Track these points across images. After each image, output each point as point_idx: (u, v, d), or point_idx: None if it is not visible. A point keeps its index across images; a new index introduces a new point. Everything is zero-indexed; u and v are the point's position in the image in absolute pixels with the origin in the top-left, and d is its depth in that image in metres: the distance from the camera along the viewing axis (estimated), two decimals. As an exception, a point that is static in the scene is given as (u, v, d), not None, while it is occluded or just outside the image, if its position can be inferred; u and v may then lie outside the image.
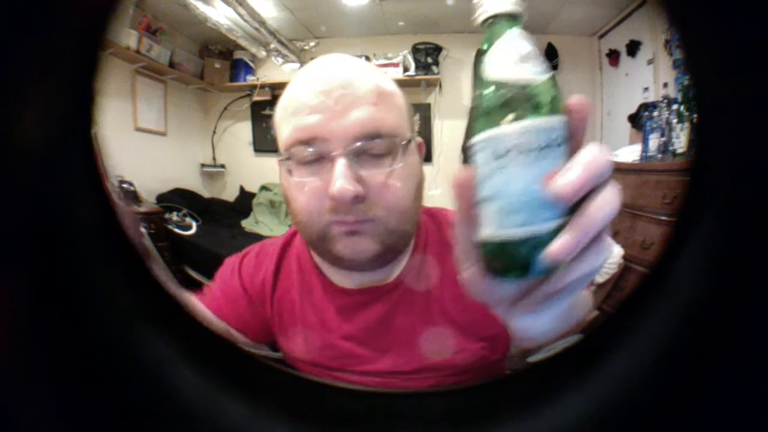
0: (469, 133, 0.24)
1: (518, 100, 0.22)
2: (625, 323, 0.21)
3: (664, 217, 1.50)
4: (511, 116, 0.22)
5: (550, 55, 2.51)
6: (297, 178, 0.40)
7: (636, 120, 2.05)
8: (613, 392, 0.20)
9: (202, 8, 2.01)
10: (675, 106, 1.69)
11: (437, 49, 2.57)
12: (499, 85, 0.23)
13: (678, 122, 1.66)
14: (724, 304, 0.18)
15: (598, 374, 0.20)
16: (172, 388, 0.20)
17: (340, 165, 0.37)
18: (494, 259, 0.23)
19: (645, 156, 1.81)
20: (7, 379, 0.17)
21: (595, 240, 0.22)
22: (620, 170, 1.95)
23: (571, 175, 0.21)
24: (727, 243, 0.18)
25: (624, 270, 1.67)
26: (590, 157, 0.21)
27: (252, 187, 2.81)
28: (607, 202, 0.22)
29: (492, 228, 0.23)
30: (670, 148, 1.68)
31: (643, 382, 0.19)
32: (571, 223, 0.21)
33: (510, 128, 0.22)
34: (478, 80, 0.24)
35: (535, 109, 0.22)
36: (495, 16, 0.24)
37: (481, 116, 0.23)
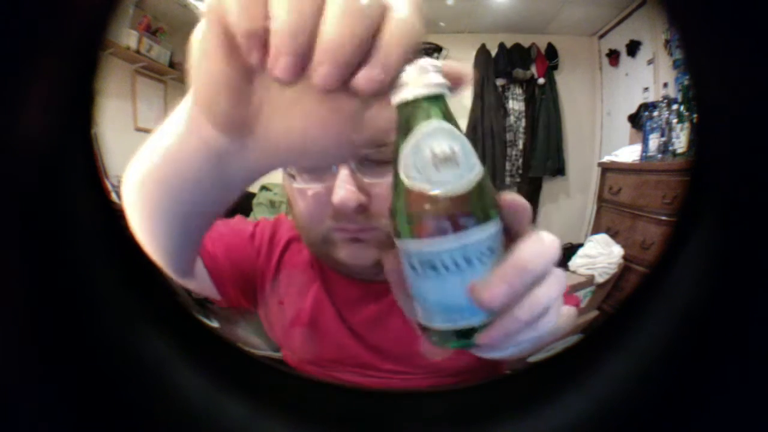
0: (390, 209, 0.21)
1: (433, 215, 0.19)
2: (625, 323, 0.21)
3: (664, 217, 1.50)
4: (425, 231, 0.19)
5: (550, 55, 2.51)
6: (299, 183, 0.39)
7: (636, 120, 2.05)
8: (613, 392, 0.20)
9: (202, 8, 2.01)
10: (675, 106, 1.69)
11: (437, 49, 2.57)
12: (413, 194, 0.19)
13: (678, 122, 1.66)
14: (724, 304, 0.18)
15: (598, 374, 0.20)
16: (172, 388, 0.20)
17: (343, 174, 0.36)
18: (429, 333, 0.22)
19: (645, 156, 1.81)
20: (7, 379, 0.17)
21: (533, 321, 0.20)
22: (620, 170, 1.95)
23: (495, 287, 0.19)
24: (727, 243, 0.18)
25: (624, 270, 1.68)
26: (522, 262, 0.20)
27: (252, 187, 2.81)
28: (539, 302, 0.20)
29: (420, 317, 0.21)
30: (670, 148, 1.68)
31: (643, 382, 0.19)
32: (497, 320, 0.20)
33: (422, 245, 0.19)
34: (394, 177, 0.20)
35: (453, 224, 0.19)
36: (412, 101, 0.20)
37: (398, 220, 0.20)
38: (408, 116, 0.20)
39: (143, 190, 0.28)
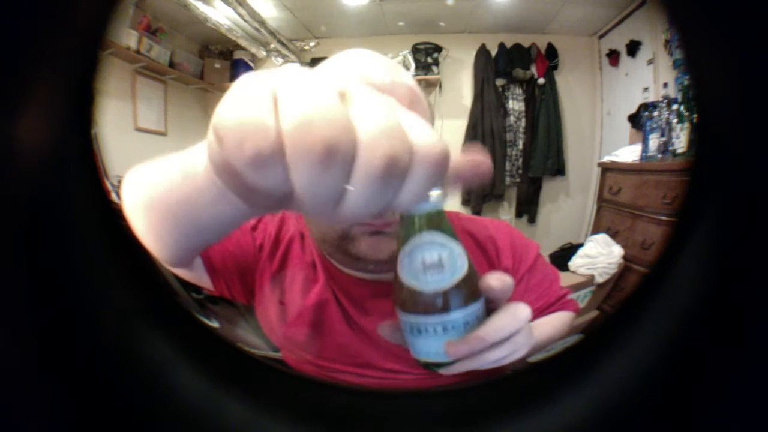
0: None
1: (420, 303, 0.25)
2: (625, 323, 0.21)
3: (664, 217, 1.50)
4: (414, 310, 0.26)
5: (550, 55, 2.51)
6: None
7: (636, 120, 2.05)
8: (613, 392, 0.20)
9: (202, 8, 2.01)
10: (675, 106, 1.69)
11: (437, 49, 2.57)
12: (406, 288, 0.26)
13: (678, 122, 1.65)
14: (724, 304, 0.18)
15: (598, 374, 0.20)
16: (172, 388, 0.20)
17: None
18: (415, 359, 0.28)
19: (645, 156, 1.81)
20: (7, 380, 0.17)
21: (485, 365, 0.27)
22: (620, 170, 1.95)
23: (459, 348, 0.26)
24: (727, 243, 0.18)
25: (624, 270, 1.67)
26: (483, 335, 0.26)
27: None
28: (489, 358, 0.27)
29: (410, 351, 0.28)
30: (670, 148, 1.68)
31: (643, 382, 0.19)
32: (458, 363, 0.27)
33: (412, 317, 0.26)
34: (396, 269, 0.27)
35: (435, 310, 0.25)
36: (410, 215, 0.25)
37: (397, 296, 0.27)
38: (407, 226, 0.25)
39: (153, 221, 0.28)
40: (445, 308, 0.25)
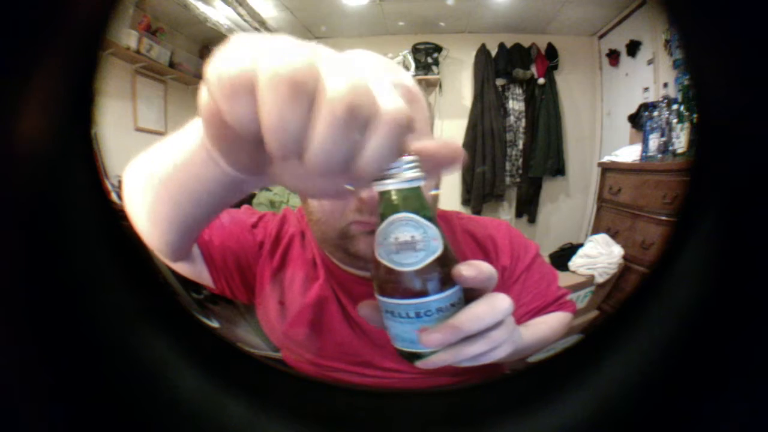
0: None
1: (392, 284, 0.25)
2: (625, 323, 0.21)
3: (664, 217, 1.50)
4: (386, 293, 0.25)
5: (550, 55, 2.51)
6: None
7: (636, 120, 2.05)
8: (612, 392, 0.20)
9: (202, 8, 2.01)
10: (675, 106, 1.69)
11: (437, 49, 2.57)
12: (381, 267, 0.25)
13: (678, 122, 1.66)
14: (724, 304, 0.18)
15: (597, 374, 0.20)
16: (172, 388, 0.20)
17: None
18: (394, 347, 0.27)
19: (645, 156, 1.81)
20: (8, 380, 0.17)
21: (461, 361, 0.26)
22: (620, 170, 1.95)
23: (433, 337, 0.25)
24: (727, 243, 0.18)
25: (624, 270, 1.67)
26: (459, 323, 0.25)
27: (252, 187, 2.80)
28: (467, 352, 0.25)
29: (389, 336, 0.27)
30: (670, 148, 1.68)
31: (643, 382, 0.19)
32: (435, 355, 0.26)
33: (385, 300, 0.26)
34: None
35: (407, 293, 0.24)
36: (388, 191, 0.25)
37: (373, 278, 0.26)
38: (385, 203, 0.25)
39: (149, 198, 0.28)
40: (418, 292, 0.25)
